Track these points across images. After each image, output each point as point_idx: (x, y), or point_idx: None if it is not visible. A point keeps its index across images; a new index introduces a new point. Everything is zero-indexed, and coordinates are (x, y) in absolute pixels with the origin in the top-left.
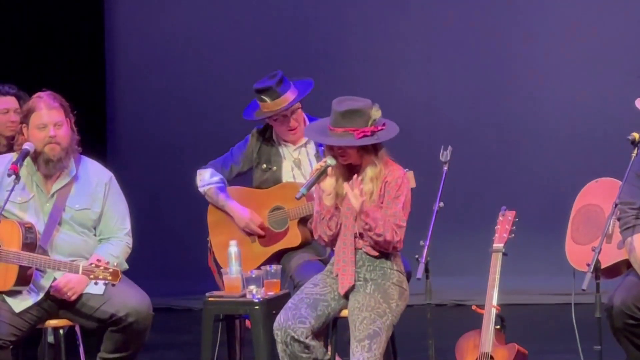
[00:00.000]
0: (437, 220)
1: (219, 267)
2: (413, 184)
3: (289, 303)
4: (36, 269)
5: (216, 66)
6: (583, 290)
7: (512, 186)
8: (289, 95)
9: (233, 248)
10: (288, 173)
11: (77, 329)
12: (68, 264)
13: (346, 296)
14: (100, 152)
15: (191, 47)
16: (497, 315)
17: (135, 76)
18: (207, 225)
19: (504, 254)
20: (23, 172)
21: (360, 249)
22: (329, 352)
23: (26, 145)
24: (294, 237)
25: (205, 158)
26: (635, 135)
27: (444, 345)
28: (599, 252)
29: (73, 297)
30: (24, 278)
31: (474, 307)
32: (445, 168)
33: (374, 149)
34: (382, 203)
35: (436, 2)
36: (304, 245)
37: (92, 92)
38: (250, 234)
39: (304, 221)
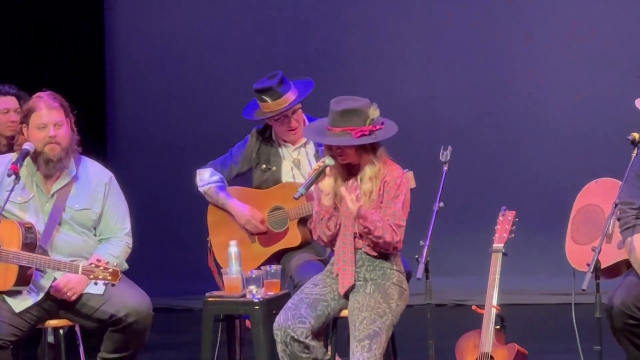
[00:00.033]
0: (437, 220)
1: (219, 267)
2: (413, 184)
3: (289, 303)
4: (36, 269)
5: (216, 66)
6: (583, 290)
7: (512, 186)
8: (290, 96)
9: (233, 248)
10: (287, 173)
11: (77, 329)
12: (68, 264)
13: (346, 296)
14: (100, 152)
15: (191, 47)
16: (497, 315)
17: (135, 76)
18: (207, 225)
19: (504, 254)
20: (23, 172)
21: (360, 248)
22: (329, 352)
23: (26, 145)
24: (293, 237)
25: (205, 158)
26: (635, 135)
27: (444, 345)
28: (599, 252)
29: (73, 297)
30: (24, 278)
31: (474, 307)
32: (445, 168)
33: (373, 148)
34: (381, 202)
35: (436, 2)
36: (303, 245)
37: (92, 92)
38: (250, 233)
39: (303, 221)
